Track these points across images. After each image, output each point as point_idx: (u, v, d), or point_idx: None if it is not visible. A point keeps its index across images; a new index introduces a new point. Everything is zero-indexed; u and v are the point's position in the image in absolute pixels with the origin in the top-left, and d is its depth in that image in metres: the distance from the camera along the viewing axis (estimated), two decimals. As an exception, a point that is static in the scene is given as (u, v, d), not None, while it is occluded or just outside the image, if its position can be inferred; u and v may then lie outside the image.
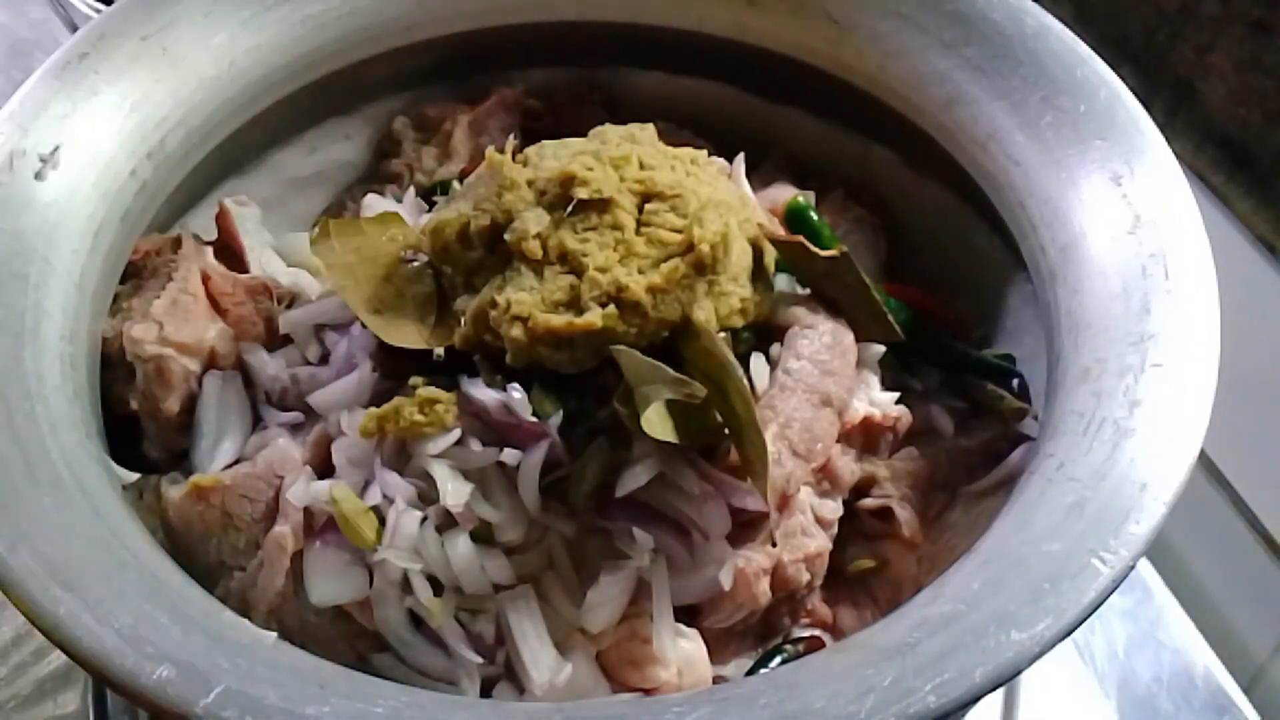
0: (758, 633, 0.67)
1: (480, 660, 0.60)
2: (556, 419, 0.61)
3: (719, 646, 0.65)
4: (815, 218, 0.75)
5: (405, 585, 0.61)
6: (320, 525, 0.63)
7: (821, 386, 0.66)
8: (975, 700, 0.50)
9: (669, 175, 0.65)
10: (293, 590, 0.62)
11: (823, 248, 0.69)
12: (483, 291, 0.64)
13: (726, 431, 0.62)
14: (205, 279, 0.72)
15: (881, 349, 0.72)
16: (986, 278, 0.78)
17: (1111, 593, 0.52)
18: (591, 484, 0.62)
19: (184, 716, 0.49)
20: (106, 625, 0.51)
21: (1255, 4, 0.84)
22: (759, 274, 0.68)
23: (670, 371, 0.60)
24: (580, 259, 0.62)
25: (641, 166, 0.65)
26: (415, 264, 0.68)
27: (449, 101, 0.87)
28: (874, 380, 0.71)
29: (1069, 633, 0.51)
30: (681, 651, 0.62)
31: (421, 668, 0.61)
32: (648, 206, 0.64)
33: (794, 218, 0.75)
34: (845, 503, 0.68)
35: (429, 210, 0.77)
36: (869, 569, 0.68)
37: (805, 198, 0.76)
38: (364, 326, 0.66)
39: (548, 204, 0.64)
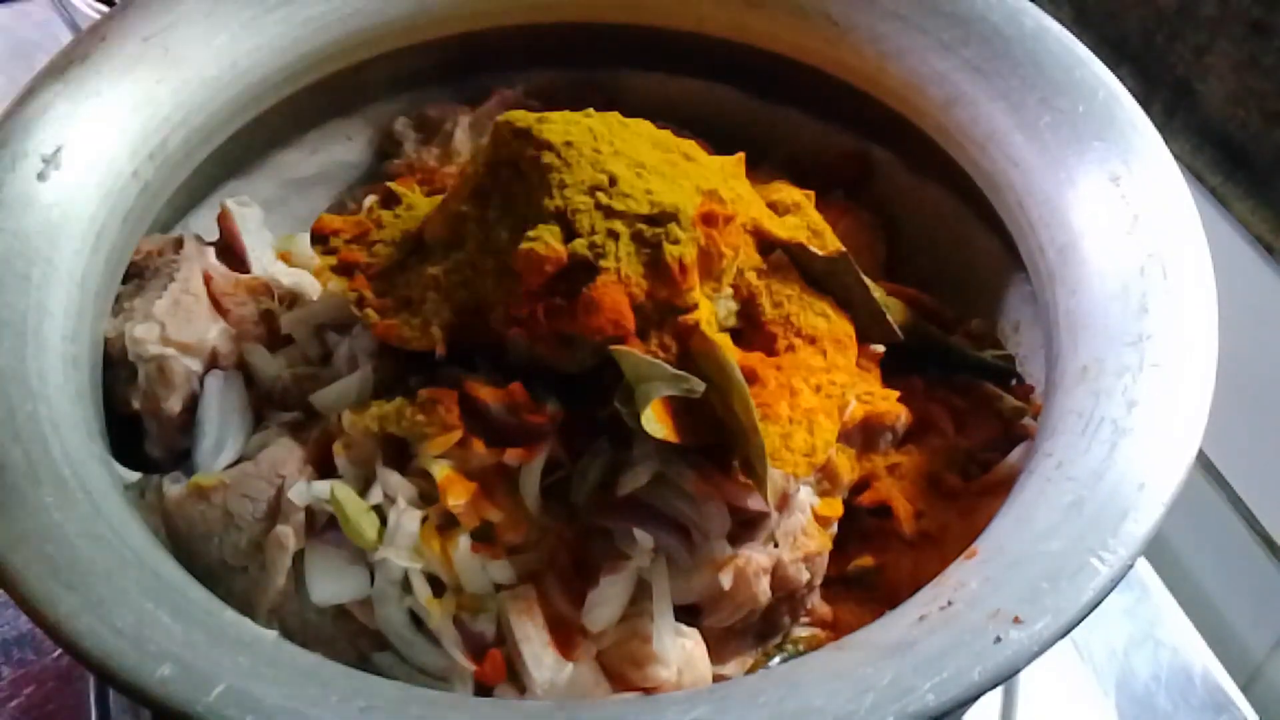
0: (758, 632, 0.67)
1: (473, 666, 0.60)
2: (557, 419, 0.61)
3: (719, 646, 0.65)
4: (815, 218, 0.76)
5: (406, 585, 0.61)
6: (321, 524, 0.63)
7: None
8: (974, 699, 0.50)
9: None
10: (294, 589, 0.62)
11: (822, 248, 0.69)
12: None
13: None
14: (207, 279, 0.72)
15: (881, 348, 0.72)
16: (985, 278, 0.79)
17: (1110, 591, 0.53)
18: (592, 484, 0.62)
19: (186, 715, 0.49)
20: (108, 624, 0.51)
21: (1254, 5, 0.84)
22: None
23: (669, 368, 0.60)
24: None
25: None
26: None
27: (450, 102, 0.87)
28: (873, 379, 0.71)
29: (1067, 631, 0.52)
30: (681, 651, 0.62)
31: (422, 666, 0.62)
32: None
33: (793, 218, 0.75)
34: (844, 501, 0.68)
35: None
36: (868, 568, 0.69)
37: (805, 197, 0.76)
38: (365, 326, 0.66)
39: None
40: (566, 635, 0.62)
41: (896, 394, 0.71)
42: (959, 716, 0.62)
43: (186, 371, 0.69)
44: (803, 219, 0.72)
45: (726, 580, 0.62)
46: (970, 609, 0.53)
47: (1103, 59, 0.73)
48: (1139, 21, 0.93)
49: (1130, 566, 0.53)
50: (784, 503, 0.64)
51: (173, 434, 0.69)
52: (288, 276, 0.75)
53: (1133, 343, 0.61)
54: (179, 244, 0.73)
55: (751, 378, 0.63)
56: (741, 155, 0.73)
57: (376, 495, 0.62)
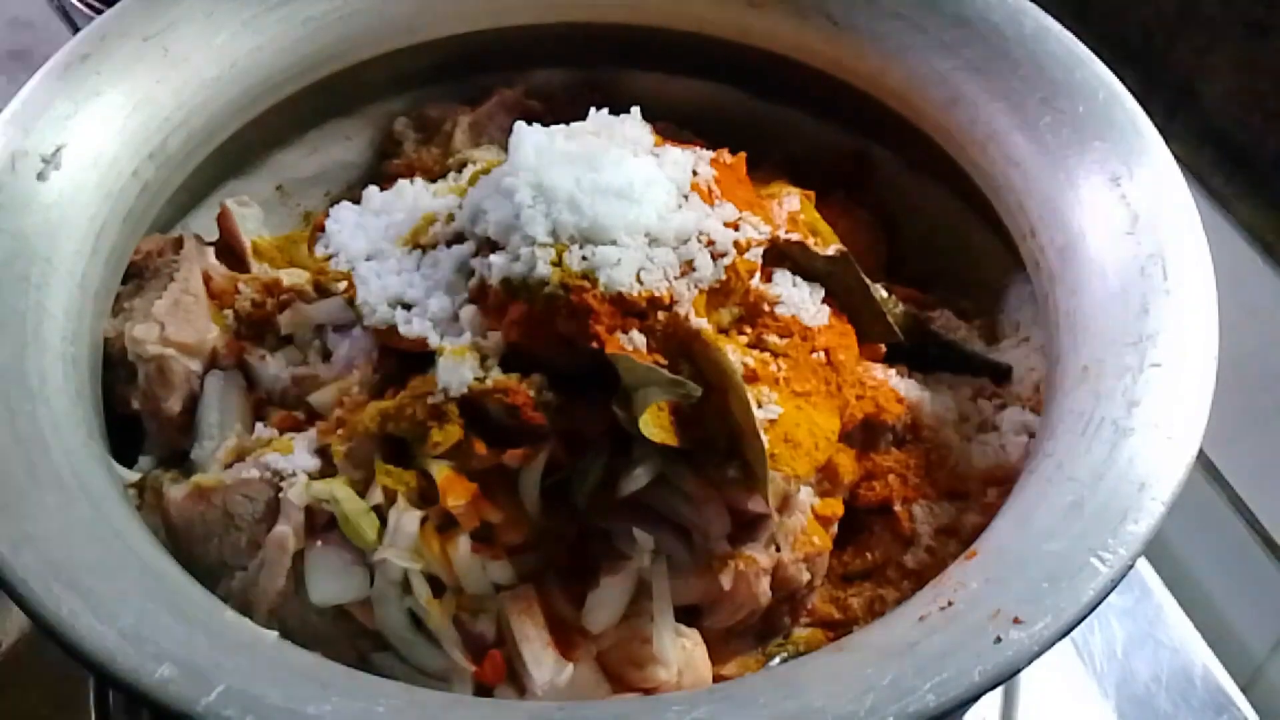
0: (758, 632, 0.67)
1: (473, 666, 0.60)
2: (557, 420, 0.61)
3: (719, 646, 0.65)
4: (815, 218, 0.75)
5: (406, 585, 0.61)
6: (321, 525, 0.63)
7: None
8: (974, 699, 0.50)
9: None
10: (294, 590, 0.62)
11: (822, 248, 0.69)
12: (483, 292, 0.64)
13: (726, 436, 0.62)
14: (207, 279, 0.72)
15: (881, 349, 0.72)
16: (986, 278, 0.79)
17: (1110, 592, 0.53)
18: (592, 485, 0.62)
19: (186, 715, 0.49)
20: (108, 624, 0.51)
21: (1254, 5, 0.84)
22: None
23: (666, 373, 0.60)
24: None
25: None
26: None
27: (450, 102, 0.87)
28: (873, 379, 0.71)
29: (1068, 631, 0.52)
30: (682, 651, 0.62)
31: (422, 667, 0.62)
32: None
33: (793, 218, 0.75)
34: (845, 501, 0.68)
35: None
36: (869, 568, 0.69)
37: (805, 198, 0.76)
38: (364, 327, 0.66)
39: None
40: (566, 636, 0.62)
41: (897, 394, 0.71)
42: (959, 716, 0.62)
43: (186, 371, 0.69)
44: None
45: (726, 581, 0.62)
46: (970, 609, 0.53)
47: (1103, 59, 0.73)
48: (1140, 22, 0.93)
49: (1130, 566, 0.53)
50: (784, 503, 0.64)
51: (173, 434, 0.69)
52: (287, 276, 0.75)
53: (1133, 343, 0.61)
54: (179, 244, 0.73)
55: (751, 378, 0.63)
56: (742, 155, 0.73)
57: (376, 495, 0.62)
